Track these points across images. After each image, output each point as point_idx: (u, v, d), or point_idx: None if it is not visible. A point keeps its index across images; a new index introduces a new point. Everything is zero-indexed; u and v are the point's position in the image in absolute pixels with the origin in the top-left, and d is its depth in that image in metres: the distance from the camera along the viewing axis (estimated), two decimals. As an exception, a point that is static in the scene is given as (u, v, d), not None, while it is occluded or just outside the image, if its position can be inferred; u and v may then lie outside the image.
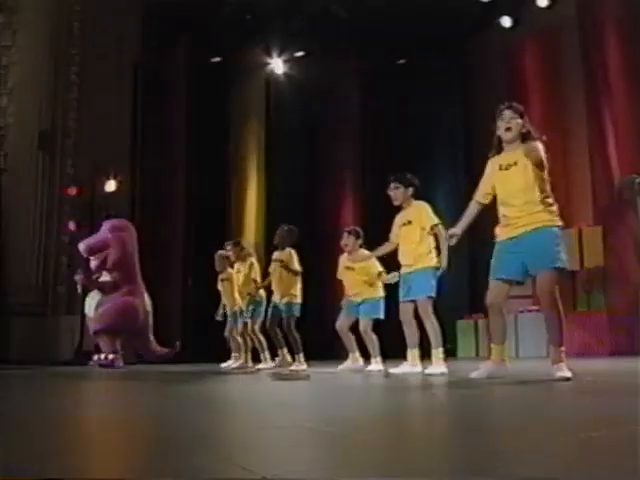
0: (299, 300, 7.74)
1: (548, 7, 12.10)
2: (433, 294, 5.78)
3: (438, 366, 5.60)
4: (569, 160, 11.94)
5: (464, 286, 13.25)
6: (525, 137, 4.60)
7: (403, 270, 5.94)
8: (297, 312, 7.72)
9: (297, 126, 14.18)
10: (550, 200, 4.48)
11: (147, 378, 6.56)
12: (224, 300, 9.17)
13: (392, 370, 5.98)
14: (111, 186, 11.75)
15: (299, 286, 7.76)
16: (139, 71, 12.47)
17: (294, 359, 7.70)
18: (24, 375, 7.54)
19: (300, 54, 13.93)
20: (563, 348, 4.56)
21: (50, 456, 1.86)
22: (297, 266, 7.67)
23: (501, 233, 4.59)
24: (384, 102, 13.81)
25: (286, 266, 7.63)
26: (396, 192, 6.03)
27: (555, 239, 4.44)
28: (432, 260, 5.77)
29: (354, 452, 1.85)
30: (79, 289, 9.73)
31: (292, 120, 14.13)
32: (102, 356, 9.25)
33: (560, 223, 4.49)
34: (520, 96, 13.00)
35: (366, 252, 6.93)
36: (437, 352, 5.70)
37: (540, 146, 4.49)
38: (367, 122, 14.37)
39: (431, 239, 5.79)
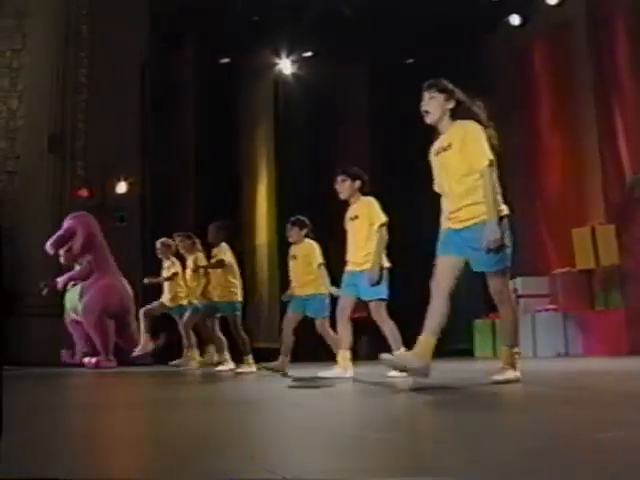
0: (240, 298, 7.61)
1: (558, 4, 12.03)
2: (384, 296, 5.53)
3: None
4: (580, 158, 11.90)
5: (480, 285, 13.14)
6: (455, 113, 4.19)
7: (350, 267, 5.67)
8: (239, 311, 7.57)
9: (306, 126, 14.17)
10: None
11: (159, 379, 6.55)
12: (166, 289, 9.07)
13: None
14: (122, 187, 11.80)
15: (239, 285, 7.62)
16: (147, 72, 12.49)
17: (243, 361, 7.47)
18: (39, 375, 7.55)
19: (308, 54, 13.91)
20: (517, 349, 4.22)
21: (73, 456, 1.85)
22: (226, 258, 7.53)
23: (443, 224, 4.25)
24: (393, 102, 13.78)
25: (220, 262, 7.51)
26: (342, 185, 5.85)
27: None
28: (381, 260, 5.52)
29: (373, 453, 1.84)
30: (46, 289, 9.70)
31: (301, 120, 14.12)
32: (93, 360, 9.26)
33: (505, 212, 4.05)
34: (529, 95, 12.99)
35: (312, 243, 6.74)
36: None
37: (475, 128, 4.08)
38: (376, 122, 14.34)
39: (379, 236, 5.51)
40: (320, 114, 14.19)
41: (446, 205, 4.19)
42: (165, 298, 9.06)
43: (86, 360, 9.33)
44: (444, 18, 12.36)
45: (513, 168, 13.11)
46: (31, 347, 9.79)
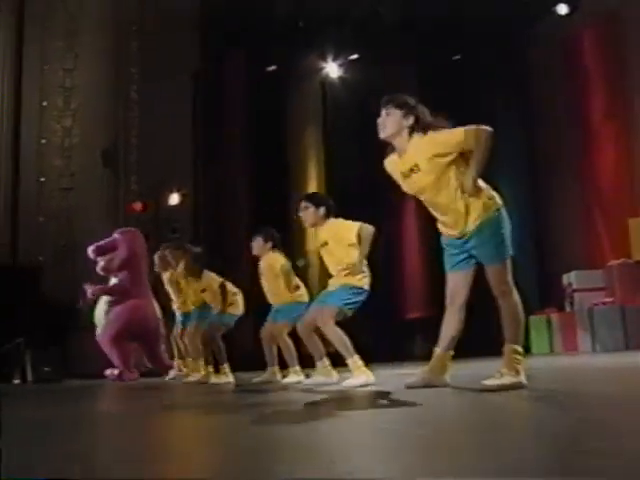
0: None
1: (606, -9, 11.78)
2: (345, 306, 5.12)
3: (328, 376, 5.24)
4: (633, 147, 11.64)
5: (534, 280, 13.00)
6: (414, 129, 3.90)
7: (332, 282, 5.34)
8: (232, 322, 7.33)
9: (354, 129, 14.16)
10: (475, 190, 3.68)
11: (199, 391, 6.59)
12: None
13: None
14: (174, 199, 11.95)
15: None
16: (198, 84, 12.68)
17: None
18: (93, 386, 7.70)
19: (354, 57, 13.93)
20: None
21: (142, 459, 1.89)
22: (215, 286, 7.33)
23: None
24: (442, 101, 13.65)
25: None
26: (306, 212, 5.45)
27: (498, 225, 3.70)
28: (356, 279, 5.15)
29: (455, 455, 1.83)
30: (82, 301, 9.70)
31: (349, 123, 14.13)
32: (115, 371, 9.19)
33: (499, 207, 3.71)
34: (580, 86, 12.74)
35: (276, 255, 6.44)
36: (322, 362, 5.37)
37: (436, 137, 3.78)
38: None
39: (356, 253, 5.11)
40: (368, 117, 14.11)
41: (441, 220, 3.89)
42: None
43: (108, 372, 9.28)
44: (489, 12, 12.24)
45: (564, 158, 12.90)
46: (89, 360, 9.96)
